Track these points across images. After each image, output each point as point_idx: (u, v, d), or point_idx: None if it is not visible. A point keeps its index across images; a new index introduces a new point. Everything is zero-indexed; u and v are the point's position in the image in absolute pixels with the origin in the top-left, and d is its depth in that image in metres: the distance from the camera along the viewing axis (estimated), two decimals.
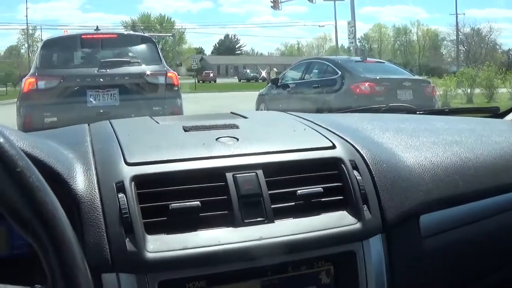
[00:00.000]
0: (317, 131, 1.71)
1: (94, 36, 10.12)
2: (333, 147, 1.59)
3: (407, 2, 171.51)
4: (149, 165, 1.40)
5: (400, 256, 1.55)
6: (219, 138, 1.57)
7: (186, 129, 1.65)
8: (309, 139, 1.65)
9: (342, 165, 1.53)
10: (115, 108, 8.80)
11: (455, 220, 1.72)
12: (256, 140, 1.61)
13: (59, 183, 1.28)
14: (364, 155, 1.60)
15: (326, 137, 1.65)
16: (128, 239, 1.26)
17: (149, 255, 1.26)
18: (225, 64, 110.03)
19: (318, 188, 1.47)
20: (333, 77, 13.03)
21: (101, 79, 8.98)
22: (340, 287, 1.46)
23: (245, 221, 1.37)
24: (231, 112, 2.01)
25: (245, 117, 1.89)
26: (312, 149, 1.57)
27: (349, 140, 1.65)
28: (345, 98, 12.08)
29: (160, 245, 1.28)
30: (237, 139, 1.57)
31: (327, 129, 1.74)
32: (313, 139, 1.65)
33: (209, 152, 1.48)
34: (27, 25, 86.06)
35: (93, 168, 1.39)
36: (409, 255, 1.58)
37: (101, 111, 8.69)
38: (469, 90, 26.56)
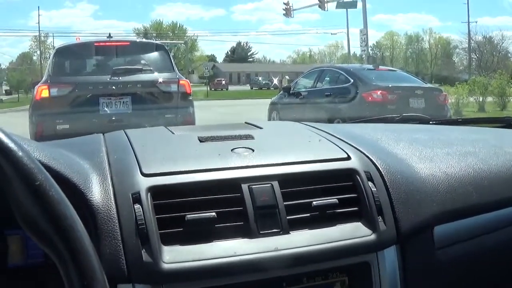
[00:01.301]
0: (332, 142, 1.71)
1: (107, 43, 10.16)
2: (348, 158, 1.59)
3: (419, 10, 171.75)
4: (165, 176, 1.40)
5: (415, 267, 1.55)
6: (234, 149, 1.57)
7: (201, 140, 1.65)
8: (324, 150, 1.66)
9: (357, 176, 1.53)
10: (127, 116, 8.83)
11: (469, 231, 1.72)
12: (272, 151, 1.61)
13: (76, 194, 1.29)
14: (379, 166, 1.60)
15: (341, 148, 1.65)
16: (144, 250, 1.27)
17: (165, 266, 1.26)
18: (237, 71, 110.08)
19: (333, 200, 1.47)
20: (345, 85, 13.04)
21: (113, 87, 9.01)
22: None
23: (261, 232, 1.37)
24: (246, 122, 2.01)
25: (260, 128, 1.90)
26: (327, 160, 1.58)
27: (363, 151, 1.65)
28: (357, 106, 12.08)
29: (176, 256, 1.28)
30: (253, 150, 1.57)
31: (341, 139, 1.74)
32: (328, 150, 1.65)
33: (224, 163, 1.48)
34: (39, 32, 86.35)
35: (109, 178, 1.40)
36: (423, 266, 1.57)
37: (113, 118, 8.73)
38: (481, 99, 26.50)
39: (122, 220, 1.31)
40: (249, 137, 1.70)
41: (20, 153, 0.91)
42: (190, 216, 1.33)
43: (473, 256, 1.71)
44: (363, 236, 1.45)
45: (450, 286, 1.65)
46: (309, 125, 1.97)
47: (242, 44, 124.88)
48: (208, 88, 60.00)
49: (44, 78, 9.40)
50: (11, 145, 0.91)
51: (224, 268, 1.30)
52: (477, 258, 1.72)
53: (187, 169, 1.44)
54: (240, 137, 1.69)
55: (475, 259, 1.71)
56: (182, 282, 1.29)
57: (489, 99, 26.84)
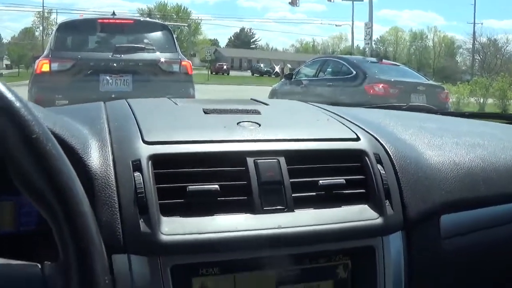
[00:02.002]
0: (340, 122, 1.67)
1: (111, 21, 10.11)
2: (357, 139, 1.54)
3: (425, 8, 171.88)
4: (167, 145, 1.35)
5: (419, 255, 1.51)
6: (240, 122, 1.52)
7: (206, 112, 1.60)
8: (332, 129, 1.61)
9: (366, 158, 1.48)
10: (127, 94, 8.78)
11: (475, 223, 1.69)
12: (279, 126, 1.56)
13: (73, 158, 1.23)
14: (388, 149, 1.55)
15: (350, 128, 1.61)
16: (142, 220, 1.21)
17: (163, 237, 1.21)
18: (239, 57, 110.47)
19: (340, 180, 1.42)
20: (348, 76, 13.07)
21: (114, 64, 9.01)
22: (357, 283, 1.42)
23: (264, 208, 1.32)
24: (251, 99, 1.97)
25: (266, 104, 1.85)
26: (336, 139, 1.53)
27: (373, 134, 1.60)
28: (359, 98, 12.08)
29: (175, 228, 1.23)
30: (259, 125, 1.52)
31: (350, 121, 1.69)
32: (337, 130, 1.60)
33: (230, 136, 1.43)
34: (42, 8, 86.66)
35: (109, 145, 1.35)
36: (428, 255, 1.53)
37: (113, 96, 8.67)
38: (481, 100, 26.58)
39: (121, 188, 1.25)
40: (255, 112, 1.65)
41: (18, 104, 0.85)
42: (192, 187, 1.28)
43: (478, 248, 1.68)
44: (369, 219, 1.40)
45: (454, 276, 1.61)
46: (317, 105, 1.93)
47: (245, 30, 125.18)
48: (209, 72, 60.11)
49: (45, 52, 9.41)
50: (9, 95, 0.86)
51: (224, 243, 1.26)
52: (482, 251, 1.69)
53: (191, 139, 1.38)
54: (246, 112, 1.64)
55: (480, 251, 1.68)
56: (180, 255, 1.24)
57: (490, 101, 26.92)
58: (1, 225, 1.28)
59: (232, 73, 79.20)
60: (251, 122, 1.54)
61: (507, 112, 24.71)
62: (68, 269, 0.86)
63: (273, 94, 15.35)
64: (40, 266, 0.90)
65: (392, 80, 12.64)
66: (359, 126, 1.64)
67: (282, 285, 1.34)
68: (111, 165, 1.29)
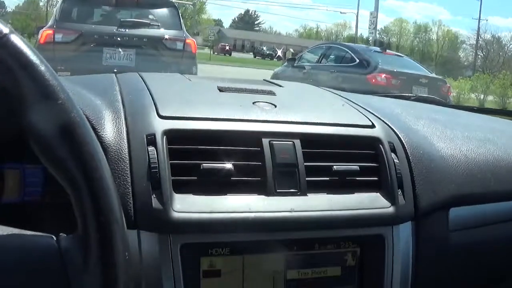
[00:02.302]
0: (355, 109, 1.65)
1: None
2: (373, 126, 1.53)
3: (431, 1, 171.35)
4: (183, 121, 1.33)
5: (427, 246, 1.50)
6: (256, 102, 1.51)
7: (221, 89, 1.58)
8: (348, 115, 1.59)
9: (381, 146, 1.47)
10: (129, 69, 8.72)
11: (484, 218, 1.68)
12: (295, 109, 1.54)
13: None
14: (402, 139, 1.54)
15: (365, 115, 1.59)
16: (154, 196, 1.20)
17: (175, 214, 1.19)
18: (242, 38, 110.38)
19: (354, 166, 1.41)
20: (351, 64, 13.04)
21: (119, 38, 9.02)
22: (365, 271, 1.41)
23: (278, 190, 1.31)
24: (264, 79, 1.95)
25: (280, 86, 1.83)
26: (351, 125, 1.51)
27: (387, 122, 1.59)
28: (361, 86, 12.03)
29: (187, 206, 1.22)
30: (275, 106, 1.51)
31: (364, 108, 1.68)
32: (352, 116, 1.59)
33: (246, 115, 1.41)
34: None
35: (123, 117, 1.33)
36: (435, 247, 1.53)
37: (115, 70, 8.64)
38: (482, 96, 26.58)
39: (134, 162, 1.24)
40: (270, 92, 1.63)
41: (43, 68, 0.84)
42: (206, 165, 1.27)
43: (485, 243, 1.67)
44: (381, 208, 1.39)
45: (460, 269, 1.61)
46: (330, 90, 1.92)
47: (250, 12, 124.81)
48: (212, 52, 60.01)
49: (50, 23, 9.42)
50: (34, 58, 0.84)
51: (236, 224, 1.24)
52: (489, 246, 1.68)
53: (207, 116, 1.37)
54: (262, 92, 1.63)
55: (487, 246, 1.67)
56: (190, 234, 1.23)
57: (490, 98, 26.91)
58: (5, 194, 1.26)
59: (234, 54, 79.19)
60: (267, 102, 1.52)
61: (507, 109, 24.73)
62: (87, 242, 0.85)
63: (275, 78, 15.31)
64: (55, 238, 0.88)
65: (395, 70, 12.64)
66: (373, 114, 1.63)
67: (290, 269, 1.33)
68: (125, 138, 1.28)
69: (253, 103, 1.50)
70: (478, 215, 1.67)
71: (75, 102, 0.87)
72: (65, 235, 0.89)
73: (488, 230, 1.68)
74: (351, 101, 1.76)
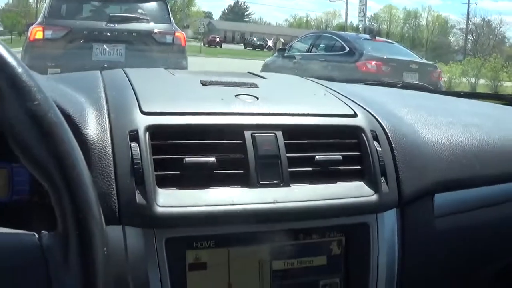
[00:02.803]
0: (338, 98, 1.66)
1: None
2: (355, 115, 1.54)
3: None
4: (165, 116, 1.34)
5: (412, 233, 1.51)
6: (238, 95, 1.52)
7: (204, 83, 1.59)
8: (330, 105, 1.60)
9: (363, 135, 1.48)
10: (120, 64, 8.80)
11: (469, 203, 1.69)
12: (277, 100, 1.55)
13: (71, 126, 1.22)
14: (385, 127, 1.55)
15: (347, 104, 1.60)
16: (138, 191, 1.21)
17: (159, 209, 1.21)
18: (232, 30, 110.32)
19: (337, 156, 1.42)
20: (341, 52, 13.07)
21: (108, 34, 9.03)
22: (351, 259, 1.42)
23: (261, 182, 1.32)
24: (248, 72, 1.96)
25: (263, 78, 1.84)
26: (333, 115, 1.52)
27: (370, 111, 1.60)
28: (351, 74, 12.09)
29: (171, 200, 1.23)
30: (257, 98, 1.52)
31: (347, 97, 1.69)
32: (334, 106, 1.60)
33: (228, 108, 1.42)
34: None
35: (106, 114, 1.34)
36: (421, 233, 1.54)
37: (106, 66, 8.67)
38: (473, 80, 26.60)
39: (117, 158, 1.25)
40: (253, 85, 1.64)
41: (20, 69, 0.84)
42: (188, 159, 1.28)
43: (471, 228, 1.68)
44: (364, 196, 1.41)
45: (446, 255, 1.62)
46: (313, 80, 1.93)
47: (240, 3, 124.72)
48: (202, 44, 60.01)
49: (39, 20, 9.46)
50: (10, 59, 0.85)
51: (220, 216, 1.25)
52: (476, 231, 1.69)
53: (189, 111, 1.38)
54: (244, 84, 1.63)
55: (473, 231, 1.68)
56: (175, 228, 1.24)
57: (481, 81, 26.95)
58: None
59: (224, 46, 79.09)
60: (249, 95, 1.53)
61: (498, 93, 24.77)
62: (66, 239, 0.86)
63: (266, 68, 15.32)
64: (37, 235, 0.90)
65: (385, 57, 12.65)
66: (356, 103, 1.64)
67: (276, 259, 1.34)
68: (108, 134, 1.28)
69: (235, 96, 1.51)
70: (464, 200, 1.68)
71: (53, 102, 0.88)
72: (47, 232, 0.90)
73: (474, 215, 1.69)
74: (334, 90, 1.76)
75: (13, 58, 0.85)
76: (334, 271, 1.41)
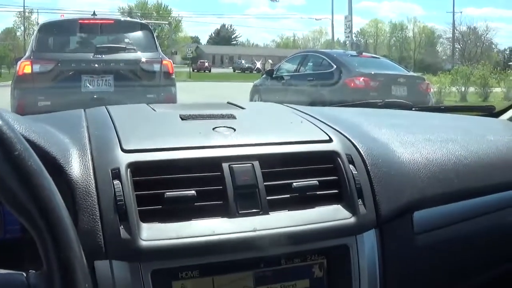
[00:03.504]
0: (313, 124, 1.70)
1: (91, 21, 10.13)
2: (330, 140, 1.58)
3: None
4: (145, 153, 1.39)
5: (393, 251, 1.55)
6: (216, 128, 1.56)
7: (183, 118, 1.64)
8: (306, 131, 1.65)
9: (338, 159, 1.52)
10: (109, 94, 8.83)
11: (449, 218, 1.72)
12: (253, 131, 1.60)
13: (54, 167, 1.27)
14: (360, 150, 1.59)
15: (322, 130, 1.64)
16: (122, 227, 1.26)
17: (143, 243, 1.25)
18: (220, 54, 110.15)
19: (313, 181, 1.46)
20: (328, 70, 13.04)
21: (96, 65, 9.03)
22: (333, 281, 1.46)
23: (240, 212, 1.37)
24: (228, 102, 2.00)
25: (242, 108, 1.88)
26: (308, 142, 1.57)
27: (345, 134, 1.64)
28: (340, 92, 12.09)
29: (154, 234, 1.27)
30: (234, 130, 1.56)
31: (323, 122, 1.73)
32: (310, 132, 1.64)
33: (205, 142, 1.47)
34: (24, 8, 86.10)
35: (88, 153, 1.38)
36: (402, 251, 1.58)
37: (95, 96, 8.70)
38: (463, 88, 26.59)
39: (101, 195, 1.29)
40: (231, 116, 1.68)
41: (0, 122, 0.89)
42: (169, 193, 1.32)
43: (452, 242, 1.71)
44: (342, 219, 1.45)
45: (428, 270, 1.65)
46: (291, 107, 1.96)
47: (226, 26, 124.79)
48: (191, 70, 59.95)
49: (27, 54, 9.42)
50: None
51: (202, 247, 1.30)
52: (456, 244, 1.72)
53: (168, 146, 1.42)
54: (222, 116, 1.68)
55: (454, 245, 1.72)
56: (160, 260, 1.28)
57: (471, 89, 26.92)
58: None
59: (213, 70, 78.91)
60: (227, 127, 1.58)
61: (488, 100, 24.76)
62: (51, 278, 0.90)
63: (255, 91, 15.36)
64: (25, 275, 0.94)
65: (373, 73, 12.64)
66: (332, 127, 1.68)
67: (259, 285, 1.38)
68: (92, 173, 1.33)
69: (213, 128, 1.56)
70: (443, 216, 1.71)
71: (32, 151, 0.92)
72: (34, 271, 0.95)
73: (454, 229, 1.72)
74: (311, 116, 1.80)
75: None
76: None
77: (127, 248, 1.25)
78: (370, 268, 1.49)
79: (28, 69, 8.76)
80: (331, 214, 1.45)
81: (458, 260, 1.74)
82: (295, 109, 1.92)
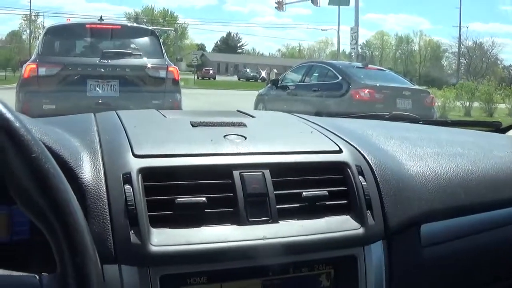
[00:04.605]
0: (323, 135, 1.71)
1: (98, 26, 10.08)
2: (340, 151, 1.59)
3: (411, 12, 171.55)
4: (157, 158, 1.40)
5: (400, 263, 1.55)
6: (226, 135, 1.57)
7: (194, 125, 1.64)
8: (316, 142, 1.66)
9: (348, 170, 1.53)
10: (114, 99, 8.80)
11: (455, 232, 1.73)
12: (264, 139, 1.61)
13: (66, 171, 1.27)
14: (370, 161, 1.60)
15: (333, 141, 1.65)
16: (132, 231, 1.26)
17: (153, 248, 1.25)
18: (226, 62, 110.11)
19: (323, 191, 1.47)
20: (334, 81, 13.04)
21: (102, 69, 8.98)
22: None
23: (250, 220, 1.37)
24: (238, 111, 2.00)
25: (252, 116, 1.89)
26: (319, 152, 1.58)
27: (355, 145, 1.65)
28: (345, 103, 12.09)
29: (164, 239, 1.28)
30: (245, 138, 1.57)
31: (333, 133, 1.74)
32: (320, 142, 1.65)
33: (217, 149, 1.48)
34: (30, 11, 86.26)
35: (100, 157, 1.39)
36: (408, 263, 1.58)
37: (100, 101, 8.69)
38: (467, 103, 26.57)
39: (112, 200, 1.30)
40: (241, 124, 1.69)
41: (18, 124, 0.90)
42: (180, 199, 1.33)
43: (459, 256, 1.72)
44: (351, 230, 1.45)
45: (435, 284, 1.66)
46: (301, 117, 1.97)
47: (232, 35, 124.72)
48: (196, 77, 59.93)
49: (33, 57, 9.37)
50: (9, 115, 0.90)
51: (211, 254, 1.30)
52: (463, 258, 1.73)
53: (179, 153, 1.43)
54: (232, 124, 1.69)
55: (460, 259, 1.72)
56: (169, 266, 1.28)
57: (476, 104, 26.91)
58: None
59: (218, 78, 78.82)
60: (237, 135, 1.58)
61: (493, 116, 24.75)
62: (65, 281, 0.91)
63: (259, 100, 15.36)
64: (38, 277, 0.94)
65: (378, 85, 12.64)
66: (341, 138, 1.69)
67: None
68: (103, 178, 1.33)
69: (224, 136, 1.56)
70: (450, 229, 1.71)
71: (49, 154, 0.93)
72: (47, 274, 0.95)
73: (461, 243, 1.73)
74: (321, 126, 1.81)
75: (11, 113, 0.91)
76: None
77: (136, 253, 1.25)
78: (377, 279, 1.49)
79: (33, 72, 8.72)
80: (339, 225, 1.45)
81: (464, 274, 1.75)
82: (304, 119, 1.93)
